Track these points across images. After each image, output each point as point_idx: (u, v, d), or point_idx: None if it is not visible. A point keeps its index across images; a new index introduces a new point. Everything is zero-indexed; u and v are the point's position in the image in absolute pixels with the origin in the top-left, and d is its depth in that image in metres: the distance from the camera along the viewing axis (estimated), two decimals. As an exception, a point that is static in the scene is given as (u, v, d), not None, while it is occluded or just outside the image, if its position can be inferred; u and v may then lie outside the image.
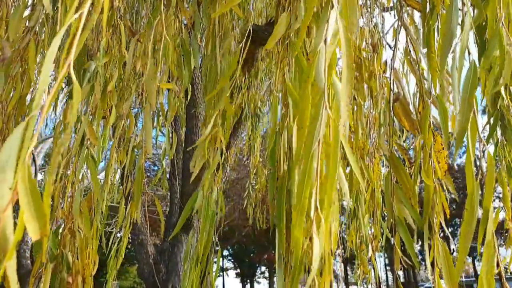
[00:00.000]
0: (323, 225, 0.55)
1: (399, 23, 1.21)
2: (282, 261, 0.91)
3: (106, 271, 2.63)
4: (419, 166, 1.09)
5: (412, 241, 1.03)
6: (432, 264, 0.99)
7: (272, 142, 1.01)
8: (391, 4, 2.31)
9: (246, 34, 2.70)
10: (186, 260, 1.27)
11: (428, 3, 0.99)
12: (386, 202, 1.05)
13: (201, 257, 1.26)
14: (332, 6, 0.62)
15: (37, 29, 1.61)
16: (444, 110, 1.06)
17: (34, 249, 1.61)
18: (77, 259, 1.68)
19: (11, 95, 1.51)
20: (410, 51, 1.26)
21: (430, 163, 1.09)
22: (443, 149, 1.10)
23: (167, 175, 5.02)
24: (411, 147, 1.24)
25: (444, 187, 1.19)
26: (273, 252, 23.64)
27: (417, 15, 2.05)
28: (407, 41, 1.28)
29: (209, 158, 1.15)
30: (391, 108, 1.11)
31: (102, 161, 1.82)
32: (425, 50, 0.98)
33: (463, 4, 0.89)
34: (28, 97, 1.60)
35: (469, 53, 0.88)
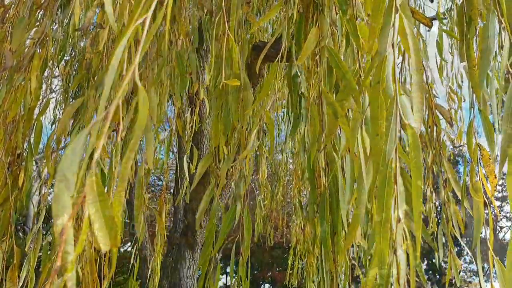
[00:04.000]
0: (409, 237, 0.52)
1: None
2: (329, 277, 0.89)
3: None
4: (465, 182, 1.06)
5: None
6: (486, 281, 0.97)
7: (311, 157, 0.98)
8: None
9: (251, 50, 2.71)
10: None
11: (464, 17, 0.98)
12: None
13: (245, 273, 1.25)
14: (397, 10, 0.60)
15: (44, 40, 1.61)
16: (489, 124, 1.03)
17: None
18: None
19: (21, 109, 1.51)
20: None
21: (479, 178, 1.06)
22: (492, 163, 1.07)
23: (171, 190, 5.00)
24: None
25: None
26: (277, 269, 23.33)
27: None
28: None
29: (244, 171, 1.15)
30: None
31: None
32: (463, 64, 0.96)
33: (500, 22, 0.87)
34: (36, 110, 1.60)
35: (508, 72, 0.85)
